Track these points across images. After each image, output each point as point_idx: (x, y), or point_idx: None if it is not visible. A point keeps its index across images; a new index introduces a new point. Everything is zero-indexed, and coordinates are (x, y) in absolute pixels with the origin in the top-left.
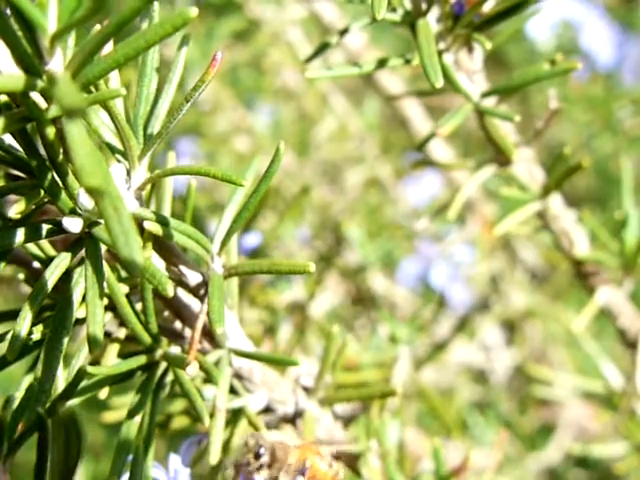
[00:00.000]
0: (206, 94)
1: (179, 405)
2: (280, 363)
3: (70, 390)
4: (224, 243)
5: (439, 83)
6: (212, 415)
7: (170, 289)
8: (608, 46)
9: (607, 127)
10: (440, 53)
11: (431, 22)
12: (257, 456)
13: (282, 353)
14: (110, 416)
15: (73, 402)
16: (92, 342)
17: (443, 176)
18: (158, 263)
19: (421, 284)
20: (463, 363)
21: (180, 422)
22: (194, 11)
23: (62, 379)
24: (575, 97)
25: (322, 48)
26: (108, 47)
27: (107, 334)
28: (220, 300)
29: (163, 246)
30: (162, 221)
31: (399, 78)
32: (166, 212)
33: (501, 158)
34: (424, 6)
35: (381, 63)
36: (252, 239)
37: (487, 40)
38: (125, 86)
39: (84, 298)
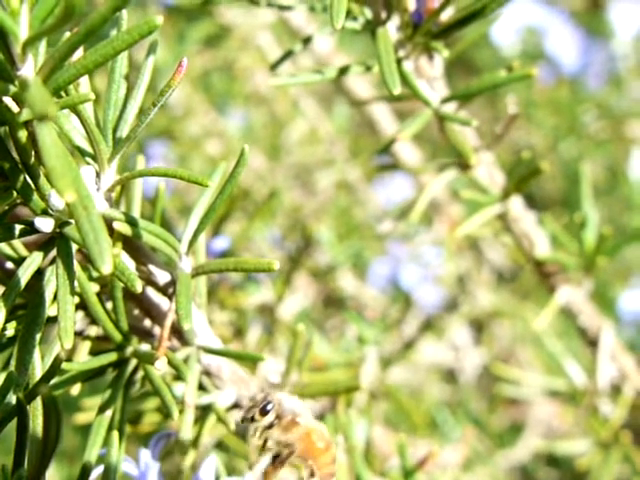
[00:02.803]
0: (178, 98)
1: (151, 403)
2: (246, 359)
3: (48, 376)
4: (192, 243)
5: (396, 90)
6: (182, 411)
7: (139, 285)
8: (573, 51)
9: (572, 131)
10: (400, 60)
11: (391, 30)
12: (263, 412)
13: (254, 352)
14: (82, 417)
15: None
16: (64, 336)
17: (413, 178)
18: (128, 262)
19: (391, 285)
20: (433, 362)
21: (151, 419)
22: (159, 19)
23: (39, 369)
24: (541, 101)
25: (286, 56)
26: (79, 53)
27: (78, 332)
28: (187, 298)
29: (132, 246)
30: (131, 221)
31: (368, 83)
32: (136, 213)
33: (462, 162)
34: (384, 15)
35: (343, 70)
36: (221, 242)
37: (444, 48)
38: (95, 91)
39: (56, 296)
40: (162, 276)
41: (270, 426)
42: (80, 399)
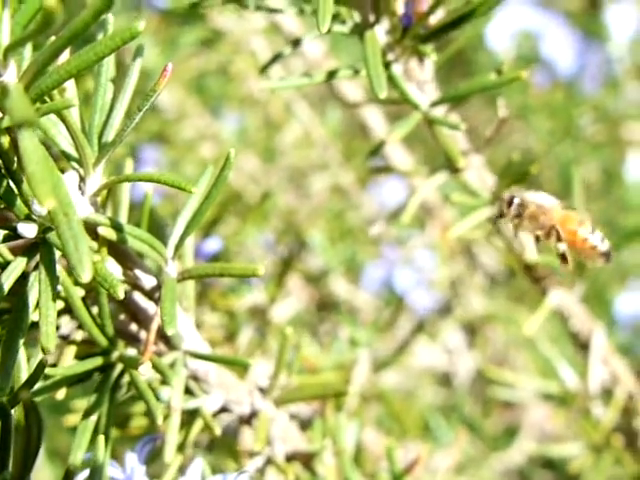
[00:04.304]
0: (171, 102)
1: (139, 406)
2: (232, 364)
3: (32, 381)
4: (178, 247)
5: (382, 94)
6: (168, 415)
7: (121, 292)
8: (568, 54)
9: (568, 134)
10: (389, 64)
11: (379, 34)
12: (509, 204)
13: (242, 357)
14: (73, 419)
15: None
16: (45, 342)
17: (406, 181)
18: (114, 267)
19: (385, 288)
20: (426, 366)
21: (139, 422)
22: (141, 25)
23: (25, 372)
24: (536, 105)
25: (275, 58)
26: (65, 56)
27: (64, 336)
28: (172, 303)
29: (118, 251)
30: (117, 226)
31: (360, 86)
32: (123, 217)
33: (452, 165)
34: (372, 18)
35: (332, 74)
36: (212, 244)
37: (434, 51)
38: (86, 92)
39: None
40: (148, 280)
41: (518, 215)
42: (71, 400)
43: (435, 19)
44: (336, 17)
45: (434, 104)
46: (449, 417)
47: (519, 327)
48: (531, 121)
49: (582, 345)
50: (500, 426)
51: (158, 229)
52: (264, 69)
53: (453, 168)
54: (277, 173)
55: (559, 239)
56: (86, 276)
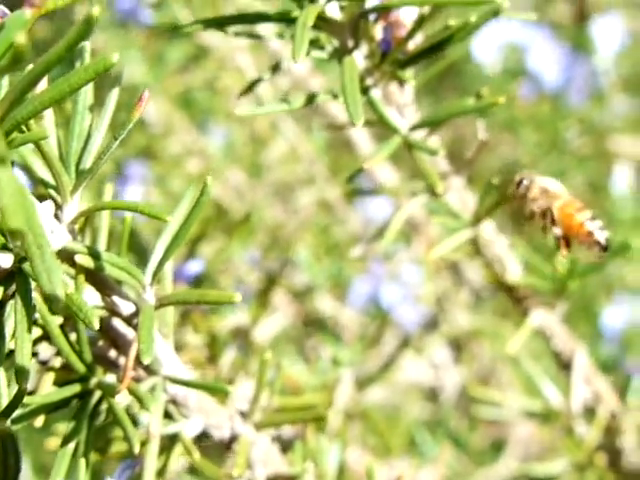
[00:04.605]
0: (158, 116)
1: (119, 431)
2: (212, 390)
3: (9, 410)
4: (156, 273)
5: (359, 123)
6: (148, 441)
7: (96, 323)
8: (555, 67)
9: (555, 147)
10: (368, 88)
11: (358, 59)
12: (518, 185)
13: (225, 378)
14: (55, 442)
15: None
16: (19, 375)
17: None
18: (92, 294)
19: (372, 303)
20: (412, 381)
21: (120, 447)
22: (115, 57)
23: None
24: (523, 117)
25: (255, 83)
26: (43, 84)
27: (43, 362)
28: (149, 331)
29: (96, 278)
30: (94, 254)
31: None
32: (102, 243)
33: (431, 189)
34: (351, 44)
35: (310, 99)
36: (194, 266)
37: (412, 77)
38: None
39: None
40: (127, 307)
41: (524, 196)
42: (54, 423)
43: (414, 44)
44: (315, 42)
45: (414, 128)
46: (435, 432)
47: (505, 342)
48: (518, 133)
49: (564, 364)
50: (486, 441)
51: (141, 250)
52: (244, 93)
53: (433, 192)
54: (263, 188)
55: (553, 222)
56: (59, 308)
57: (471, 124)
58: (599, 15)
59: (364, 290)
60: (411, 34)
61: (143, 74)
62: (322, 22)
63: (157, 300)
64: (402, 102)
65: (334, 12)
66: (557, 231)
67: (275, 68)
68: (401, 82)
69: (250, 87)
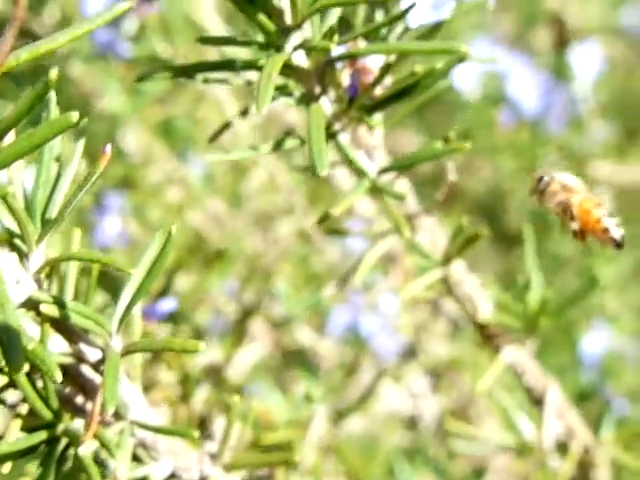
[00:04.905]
0: (137, 146)
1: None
2: (178, 435)
3: None
4: (122, 320)
5: (323, 173)
6: None
7: (58, 376)
8: (534, 94)
9: (534, 173)
10: (336, 133)
11: (325, 105)
12: (539, 181)
13: (197, 416)
14: None
15: None
16: None
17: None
18: (59, 342)
19: (351, 333)
20: (391, 410)
21: None
22: (76, 116)
23: None
24: (502, 145)
25: (223, 128)
26: (10, 137)
27: (11, 406)
28: (114, 380)
29: (62, 326)
30: (59, 303)
31: None
32: (69, 291)
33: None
34: (317, 90)
35: (277, 144)
36: (167, 304)
37: (378, 122)
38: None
39: None
40: (93, 354)
41: (544, 192)
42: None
43: (381, 90)
44: (283, 88)
45: (382, 172)
46: (414, 461)
47: (483, 372)
48: (497, 160)
49: (537, 400)
50: (465, 469)
51: (116, 286)
52: (213, 139)
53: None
54: (243, 217)
55: (572, 217)
56: (18, 368)
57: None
58: (578, 42)
59: (343, 320)
60: (378, 81)
61: (122, 104)
62: (289, 70)
63: (123, 347)
64: (372, 144)
65: (301, 60)
66: (575, 226)
67: (244, 112)
68: (370, 125)
69: (218, 134)
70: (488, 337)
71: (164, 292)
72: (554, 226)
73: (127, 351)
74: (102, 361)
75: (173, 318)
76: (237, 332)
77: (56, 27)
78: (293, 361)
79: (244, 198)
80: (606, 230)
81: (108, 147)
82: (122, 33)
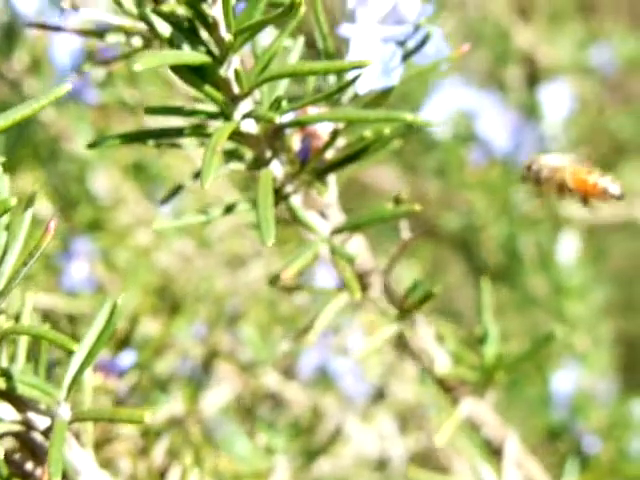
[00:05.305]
0: (107, 188)
1: None
2: None
3: None
4: (71, 388)
5: (269, 242)
6: None
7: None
8: (504, 132)
9: (505, 211)
10: (288, 196)
11: (276, 169)
12: (528, 170)
13: (157, 469)
14: None
15: None
16: None
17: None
18: (7, 410)
19: (320, 375)
20: (360, 452)
21: None
22: (13, 201)
23: None
24: (473, 183)
25: (176, 191)
26: None
27: None
28: (59, 450)
29: (10, 396)
30: (7, 375)
31: None
32: (21, 355)
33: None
34: (268, 155)
35: (229, 209)
36: (126, 358)
37: (326, 189)
38: None
39: None
40: (42, 421)
41: (537, 179)
42: None
43: (332, 153)
44: (234, 153)
45: (335, 232)
46: None
47: (450, 414)
48: (470, 197)
49: (495, 451)
50: None
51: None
52: (164, 202)
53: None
54: (212, 259)
55: (571, 191)
56: None
57: (431, 181)
58: (548, 80)
59: (311, 362)
60: (328, 145)
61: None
62: (239, 136)
63: (72, 416)
64: (325, 203)
65: (250, 127)
66: (577, 197)
67: (197, 175)
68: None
69: (169, 197)
70: (446, 389)
71: (126, 341)
72: (525, 261)
73: (75, 418)
74: (51, 428)
75: (135, 368)
76: (203, 376)
77: (25, 71)
78: (259, 407)
79: (213, 240)
80: (605, 190)
81: (52, 223)
82: (91, 80)
